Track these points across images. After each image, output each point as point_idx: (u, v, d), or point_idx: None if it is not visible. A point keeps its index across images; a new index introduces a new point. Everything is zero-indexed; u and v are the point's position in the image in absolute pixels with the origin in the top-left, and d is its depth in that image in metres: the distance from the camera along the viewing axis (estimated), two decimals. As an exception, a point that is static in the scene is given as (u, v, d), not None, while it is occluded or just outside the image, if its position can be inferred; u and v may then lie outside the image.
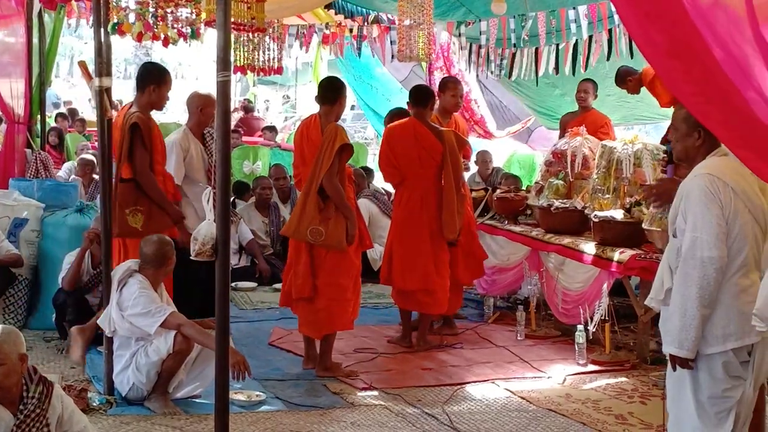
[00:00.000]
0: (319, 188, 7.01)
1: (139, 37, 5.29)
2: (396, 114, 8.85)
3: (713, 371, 4.34)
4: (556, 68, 11.16)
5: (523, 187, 10.60)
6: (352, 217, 7.10)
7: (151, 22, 5.22)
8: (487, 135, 14.11)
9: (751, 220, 4.30)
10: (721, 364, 4.32)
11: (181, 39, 5.45)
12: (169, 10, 5.23)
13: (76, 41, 39.87)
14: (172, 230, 7.09)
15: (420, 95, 8.19)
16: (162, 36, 5.23)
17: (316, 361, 7.31)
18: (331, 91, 7.25)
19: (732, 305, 4.28)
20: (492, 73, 12.39)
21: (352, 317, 7.39)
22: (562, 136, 9.72)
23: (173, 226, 7.17)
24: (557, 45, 10.98)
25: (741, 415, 4.40)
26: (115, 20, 5.40)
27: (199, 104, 7.57)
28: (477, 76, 13.17)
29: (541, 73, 11.43)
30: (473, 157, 11.44)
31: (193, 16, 5.35)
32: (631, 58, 10.03)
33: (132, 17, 5.29)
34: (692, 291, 4.23)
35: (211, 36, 9.74)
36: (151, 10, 5.22)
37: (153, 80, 7.04)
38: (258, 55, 10.25)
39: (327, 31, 13.11)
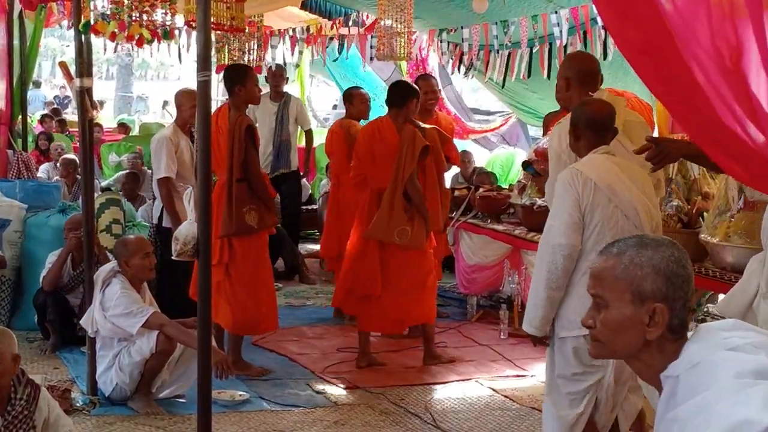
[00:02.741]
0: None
1: (113, 37, 5.28)
2: (351, 94, 9.24)
3: (564, 353, 4.64)
4: (528, 72, 11.19)
5: (504, 185, 10.63)
6: (428, 218, 7.37)
7: (126, 21, 5.20)
8: (465, 132, 14.17)
9: (617, 214, 4.56)
10: (571, 348, 4.62)
11: (155, 40, 5.44)
12: (144, 10, 5.21)
13: (58, 42, 39.81)
14: (272, 229, 7.39)
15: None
16: (136, 36, 5.22)
17: (368, 356, 7.52)
18: (399, 95, 7.47)
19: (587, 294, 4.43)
20: (466, 74, 12.47)
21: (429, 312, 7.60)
22: (545, 135, 9.74)
23: (276, 224, 7.50)
24: (531, 49, 11.00)
25: (602, 401, 4.66)
26: (89, 20, 5.39)
27: (188, 100, 7.60)
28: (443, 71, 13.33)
29: (513, 77, 11.46)
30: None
31: (168, 17, 5.34)
32: (604, 59, 10.06)
33: (106, 17, 5.29)
34: (542, 274, 4.55)
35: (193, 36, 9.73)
36: (126, 10, 5.20)
37: (236, 81, 7.06)
38: (242, 54, 10.29)
39: (307, 33, 13.16)
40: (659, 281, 2.55)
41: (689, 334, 2.62)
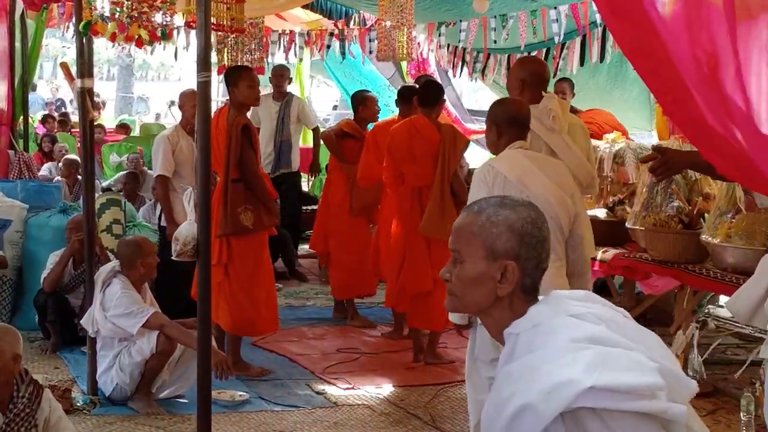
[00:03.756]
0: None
1: (113, 38, 5.28)
2: (365, 97, 9.35)
3: (483, 338, 4.68)
4: None
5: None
6: None
7: (125, 22, 5.20)
8: (465, 133, 14.15)
9: None
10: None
11: (154, 41, 5.43)
12: (143, 11, 5.21)
13: (59, 43, 39.80)
14: (272, 229, 7.37)
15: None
16: (135, 37, 5.21)
17: (423, 353, 7.64)
18: (431, 95, 7.68)
19: None
20: (470, 76, 12.49)
21: None
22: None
23: (275, 224, 7.43)
24: (529, 53, 11.01)
25: None
26: (90, 20, 5.38)
27: (190, 101, 7.62)
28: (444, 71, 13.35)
29: None
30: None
31: (167, 18, 5.33)
32: (601, 61, 10.07)
33: (106, 18, 5.29)
34: None
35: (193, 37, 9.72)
36: (126, 11, 5.20)
37: (229, 82, 7.09)
38: (242, 55, 10.31)
39: (307, 37, 13.18)
40: (513, 240, 2.61)
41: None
